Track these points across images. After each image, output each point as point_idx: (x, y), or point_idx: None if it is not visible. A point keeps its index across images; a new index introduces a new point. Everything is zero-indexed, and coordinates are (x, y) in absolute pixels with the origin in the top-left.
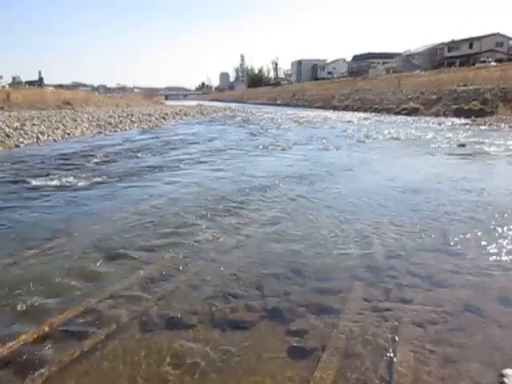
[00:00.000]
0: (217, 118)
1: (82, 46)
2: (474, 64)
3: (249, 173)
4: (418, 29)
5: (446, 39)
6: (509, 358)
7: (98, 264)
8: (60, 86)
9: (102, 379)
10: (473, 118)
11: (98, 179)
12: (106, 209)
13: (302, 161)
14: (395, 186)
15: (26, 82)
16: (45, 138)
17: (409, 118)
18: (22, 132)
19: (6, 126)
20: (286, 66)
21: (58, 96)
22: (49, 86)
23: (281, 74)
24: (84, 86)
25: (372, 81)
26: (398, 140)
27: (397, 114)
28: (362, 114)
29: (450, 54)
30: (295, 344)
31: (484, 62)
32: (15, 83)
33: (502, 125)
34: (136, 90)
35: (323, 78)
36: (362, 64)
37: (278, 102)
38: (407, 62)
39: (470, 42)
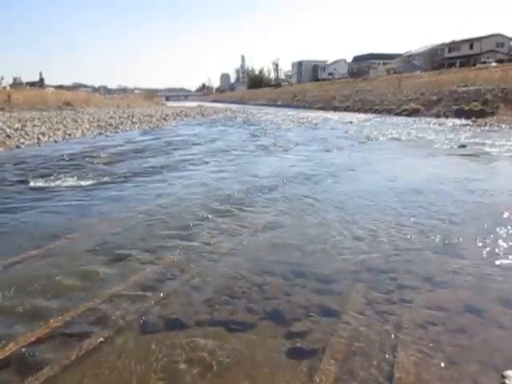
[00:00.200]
0: (217, 119)
1: (83, 47)
2: (474, 65)
3: (252, 173)
4: (418, 29)
5: (447, 40)
6: (510, 359)
7: (99, 265)
8: (61, 87)
9: (103, 380)
10: (473, 118)
11: (100, 180)
12: (108, 209)
13: (304, 161)
14: (396, 187)
15: (27, 83)
16: (45, 138)
17: (409, 119)
18: (23, 133)
19: (7, 126)
20: (286, 66)
21: (58, 97)
22: (49, 86)
23: (281, 75)
24: (85, 86)
25: (372, 82)
26: (398, 141)
27: (397, 114)
28: (363, 115)
29: (450, 55)
30: (296, 346)
31: (485, 62)
32: (16, 84)
33: (503, 125)
34: (137, 91)
35: (324, 79)
36: (362, 65)
37: (279, 103)
38: (408, 62)
39: (471, 42)
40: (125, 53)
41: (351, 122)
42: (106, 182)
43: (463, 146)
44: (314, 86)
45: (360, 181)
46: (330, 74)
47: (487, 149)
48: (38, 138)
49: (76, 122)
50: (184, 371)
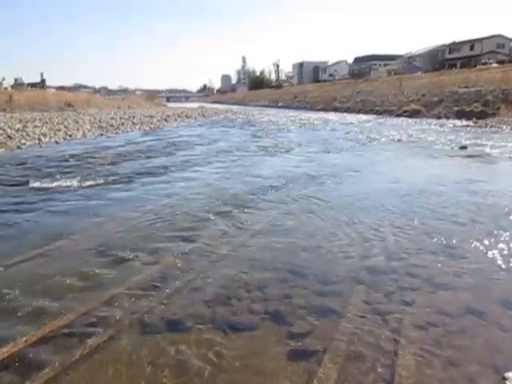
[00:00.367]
0: (219, 120)
1: (84, 48)
2: (475, 66)
3: (256, 173)
4: (419, 30)
5: (447, 40)
6: (511, 360)
7: (101, 265)
8: (62, 88)
9: (105, 381)
10: (474, 119)
11: (102, 180)
12: (110, 210)
13: (306, 162)
14: (398, 188)
15: (28, 84)
16: (47, 139)
17: (410, 120)
18: (24, 133)
19: (8, 127)
20: (287, 68)
21: (59, 98)
22: (51, 87)
23: (282, 76)
24: (86, 87)
25: (373, 83)
26: (400, 142)
27: (398, 115)
28: (364, 116)
29: (451, 56)
30: (297, 347)
31: (485, 63)
32: (17, 85)
33: (504, 126)
34: (138, 92)
35: (325, 80)
36: (363, 66)
37: (280, 104)
38: (408, 63)
39: (471, 43)
40: (126, 54)
41: (352, 123)
42: (108, 183)
43: (464, 148)
44: (314, 86)
45: (362, 182)
46: (330, 75)
47: (488, 150)
48: (39, 139)
49: (77, 122)
50: (185, 372)
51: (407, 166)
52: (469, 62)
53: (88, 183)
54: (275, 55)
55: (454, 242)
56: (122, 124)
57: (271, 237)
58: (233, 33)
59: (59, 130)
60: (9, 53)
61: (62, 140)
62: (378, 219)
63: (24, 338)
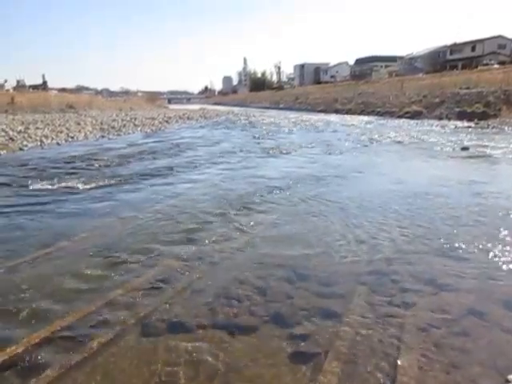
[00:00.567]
0: (220, 122)
1: (86, 50)
2: (476, 67)
3: (261, 174)
4: (419, 31)
5: (448, 41)
6: None
7: (103, 267)
8: (63, 90)
9: (105, 383)
10: (476, 120)
11: (104, 182)
12: (114, 211)
13: (310, 163)
14: (399, 189)
15: (30, 86)
16: (48, 141)
17: (412, 122)
18: (26, 135)
19: (10, 129)
20: (288, 69)
21: (61, 99)
22: (52, 89)
23: (283, 78)
24: (87, 89)
25: (375, 84)
26: (401, 143)
27: (400, 117)
28: (365, 118)
29: (452, 57)
30: (298, 349)
31: (487, 64)
32: (19, 87)
33: (506, 127)
34: (139, 94)
35: (326, 82)
36: (364, 67)
37: (281, 105)
38: (409, 64)
39: (473, 44)
40: (127, 56)
41: (353, 125)
42: (111, 185)
43: (466, 149)
44: (316, 88)
45: (365, 183)
46: (332, 76)
47: (490, 151)
48: (41, 141)
49: (79, 124)
50: (186, 374)
51: (409, 167)
52: (470, 63)
53: (90, 185)
54: (276, 57)
55: (456, 243)
56: (124, 126)
57: (274, 238)
58: (234, 34)
59: (61, 132)
60: (11, 55)
61: (63, 142)
62: (381, 220)
63: (27, 339)
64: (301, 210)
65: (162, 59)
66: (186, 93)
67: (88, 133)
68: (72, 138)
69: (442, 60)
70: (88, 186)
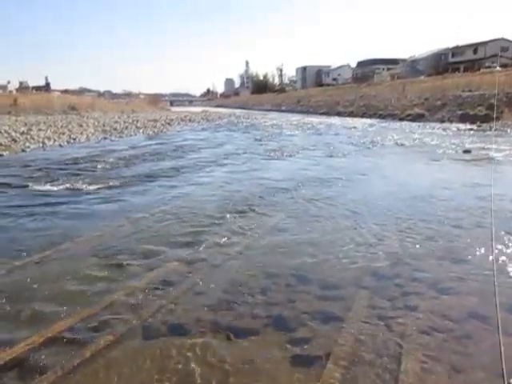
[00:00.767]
0: (222, 124)
1: (89, 52)
2: (478, 69)
3: (266, 176)
4: (420, 32)
5: (449, 42)
6: None
7: (104, 269)
8: (66, 92)
9: None
10: (478, 123)
11: (106, 184)
12: (116, 213)
13: (313, 165)
14: (402, 192)
15: (33, 87)
16: (51, 142)
17: (413, 124)
18: (29, 137)
19: (13, 130)
20: (290, 72)
21: (64, 101)
22: (55, 91)
23: (285, 80)
24: (90, 91)
25: (376, 87)
26: (403, 146)
27: (401, 119)
28: (367, 120)
29: (454, 60)
30: (300, 352)
31: (489, 67)
32: (22, 88)
33: (508, 130)
34: (141, 96)
35: (328, 84)
36: (366, 70)
37: (283, 108)
38: (411, 67)
39: (475, 47)
40: (130, 58)
41: (355, 128)
42: (114, 186)
43: (468, 151)
44: (318, 91)
45: (367, 186)
46: (334, 79)
47: (492, 153)
48: (43, 142)
49: (81, 126)
50: (187, 378)
51: (411, 170)
52: (472, 66)
53: (93, 186)
54: (279, 60)
55: (458, 246)
56: (126, 128)
57: (276, 240)
58: (236, 37)
59: (63, 134)
60: (14, 56)
61: (65, 143)
62: (383, 223)
63: (27, 341)
64: (304, 213)
65: (165, 61)
66: (188, 95)
67: (90, 134)
68: (74, 139)
69: (444, 62)
70: (91, 188)
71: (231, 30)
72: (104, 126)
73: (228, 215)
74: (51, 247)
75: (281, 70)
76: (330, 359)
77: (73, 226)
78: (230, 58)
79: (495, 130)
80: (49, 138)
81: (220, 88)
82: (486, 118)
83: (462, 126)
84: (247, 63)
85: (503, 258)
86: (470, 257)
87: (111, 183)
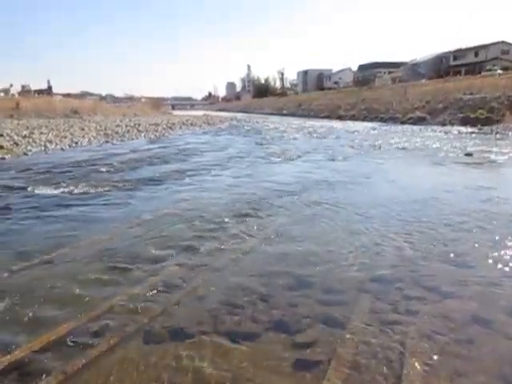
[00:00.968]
0: (224, 128)
1: (92, 56)
2: (479, 72)
3: (270, 179)
4: (421, 35)
5: (449, 43)
6: None
7: (104, 273)
8: (68, 95)
9: None
10: (479, 126)
11: (110, 187)
12: (118, 217)
13: (316, 168)
14: (404, 195)
15: (35, 91)
16: (52, 146)
17: (415, 127)
18: (31, 140)
19: (15, 134)
20: (292, 75)
21: (66, 105)
22: (57, 94)
23: (287, 84)
24: (92, 95)
25: (378, 90)
26: (405, 149)
27: (403, 123)
28: (369, 124)
29: (455, 63)
30: (301, 357)
31: (490, 70)
32: (25, 92)
33: (510, 133)
34: (143, 100)
35: (329, 88)
36: (367, 73)
37: (284, 111)
38: (413, 70)
39: (476, 50)
40: (132, 61)
41: (357, 131)
42: (116, 190)
43: (470, 155)
44: (319, 94)
45: (369, 189)
46: (335, 82)
47: (494, 157)
48: (45, 146)
49: (83, 129)
50: (188, 382)
51: (412, 173)
52: (473, 69)
53: (95, 190)
54: (280, 63)
55: (460, 249)
56: (128, 131)
57: (279, 244)
58: (239, 43)
59: (65, 137)
60: (17, 60)
61: (67, 147)
62: (386, 227)
63: (27, 346)
64: (306, 216)
65: (166, 65)
66: (189, 99)
67: (92, 138)
68: (76, 143)
69: (446, 66)
70: (93, 191)
71: (234, 36)
72: (106, 129)
73: (232, 218)
74: (54, 250)
75: (282, 74)
76: (331, 364)
77: (75, 230)
78: (231, 62)
79: (496, 133)
80: (51, 142)
81: (222, 92)
82: (488, 121)
83: (463, 129)
84: (249, 67)
85: (505, 261)
86: (472, 260)
87: (114, 187)
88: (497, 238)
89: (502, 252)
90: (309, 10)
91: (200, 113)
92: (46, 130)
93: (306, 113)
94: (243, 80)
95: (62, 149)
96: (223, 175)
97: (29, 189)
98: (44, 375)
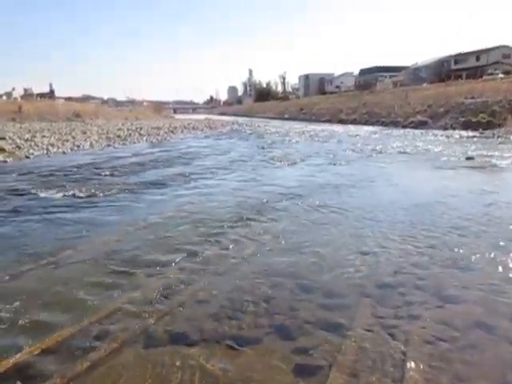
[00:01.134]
0: (226, 132)
1: (94, 60)
2: (481, 76)
3: (275, 182)
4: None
5: (449, 43)
6: None
7: (106, 276)
8: (70, 99)
9: None
10: (481, 130)
11: (112, 191)
12: (121, 220)
13: (319, 172)
14: (406, 200)
15: (38, 94)
16: (55, 149)
17: (416, 131)
18: (33, 143)
19: (17, 137)
20: (293, 79)
21: (68, 108)
22: (60, 98)
23: (288, 88)
24: (94, 98)
25: (379, 94)
26: (406, 153)
27: (404, 127)
28: (370, 128)
29: (456, 67)
30: (302, 362)
31: (491, 74)
32: (27, 95)
33: (511, 137)
34: (145, 104)
35: (331, 92)
36: (369, 78)
37: (286, 116)
38: (414, 75)
39: (477, 54)
40: (134, 65)
41: (358, 135)
42: (119, 193)
43: (471, 158)
44: (320, 98)
45: (371, 193)
46: (336, 86)
47: (495, 161)
48: (47, 149)
49: (85, 133)
50: None
51: (414, 178)
52: (475, 73)
53: (98, 193)
54: (282, 68)
55: (463, 254)
56: (129, 135)
57: (281, 248)
58: (241, 47)
59: (67, 141)
60: (19, 63)
61: (69, 150)
62: (388, 231)
63: (28, 349)
64: (309, 220)
65: (168, 69)
66: (191, 103)
67: (94, 142)
68: (78, 146)
69: (447, 70)
70: (96, 195)
71: (236, 40)
72: (108, 133)
73: (236, 222)
74: (53, 255)
75: (284, 78)
76: (333, 369)
77: (78, 233)
78: (233, 67)
79: (498, 136)
80: (53, 145)
81: (223, 96)
82: (489, 125)
83: (464, 132)
84: (250, 71)
85: (508, 266)
86: (474, 265)
87: (118, 190)
88: (500, 242)
89: (506, 257)
90: (312, 15)
91: (202, 116)
92: (48, 134)
93: (308, 117)
94: (245, 84)
95: (64, 152)
96: (226, 179)
97: (32, 192)
98: (44, 380)
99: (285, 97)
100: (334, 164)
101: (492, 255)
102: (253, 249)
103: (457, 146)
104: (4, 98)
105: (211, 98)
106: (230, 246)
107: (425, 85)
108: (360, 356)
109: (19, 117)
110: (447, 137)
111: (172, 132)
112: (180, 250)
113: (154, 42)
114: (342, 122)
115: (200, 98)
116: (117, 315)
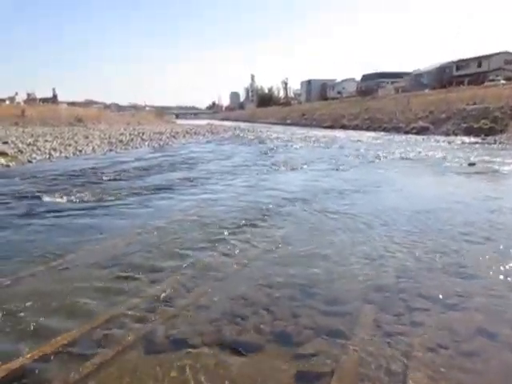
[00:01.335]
0: (228, 137)
1: (96, 65)
2: (482, 82)
3: (274, 188)
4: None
5: (450, 44)
6: None
7: (107, 281)
8: (73, 103)
9: None
10: (483, 136)
11: (115, 196)
12: (123, 225)
13: (322, 177)
14: (408, 206)
15: (41, 99)
16: (57, 154)
17: (418, 137)
18: (35, 148)
19: (20, 141)
20: (295, 85)
21: (70, 113)
22: (62, 102)
23: (290, 94)
24: (96, 103)
25: (381, 100)
26: (408, 159)
27: (406, 133)
28: (372, 134)
29: (458, 73)
30: (304, 368)
31: (493, 80)
32: (30, 100)
33: None
34: (147, 109)
35: (332, 98)
36: (370, 83)
37: (288, 121)
38: (416, 81)
39: (479, 60)
40: (137, 70)
41: (360, 141)
42: (122, 198)
43: (473, 165)
44: (322, 104)
45: (373, 199)
46: (338, 92)
47: (497, 167)
48: (50, 154)
49: (87, 138)
50: None
51: (416, 184)
52: (476, 79)
53: (101, 198)
54: (284, 74)
55: (466, 261)
56: (132, 140)
57: (282, 254)
58: (243, 53)
59: (69, 145)
60: (22, 68)
61: (71, 155)
62: (392, 237)
63: (29, 354)
64: (311, 225)
65: (171, 75)
66: (193, 108)
67: (96, 146)
68: (80, 151)
69: (449, 76)
70: (98, 199)
71: (238, 45)
72: (110, 138)
73: (241, 227)
74: (54, 259)
75: (286, 84)
76: (334, 376)
77: (80, 237)
78: (235, 72)
79: (500, 143)
80: (55, 150)
81: (225, 101)
82: (491, 131)
83: (466, 139)
84: (253, 77)
85: (510, 273)
86: (476, 272)
87: (121, 195)
88: (504, 249)
89: (508, 263)
90: (314, 20)
91: (204, 122)
92: (50, 138)
93: (310, 122)
94: (247, 90)
95: (67, 157)
96: (231, 184)
97: (36, 196)
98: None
99: (287, 102)
100: (337, 169)
101: (496, 262)
102: (256, 254)
103: (459, 152)
104: (7, 102)
105: (213, 103)
106: (235, 252)
107: (427, 91)
108: (362, 363)
109: (22, 121)
110: (449, 143)
111: (174, 137)
112: (182, 255)
113: (155, 49)
114: (343, 127)
115: (202, 104)
116: (118, 320)
